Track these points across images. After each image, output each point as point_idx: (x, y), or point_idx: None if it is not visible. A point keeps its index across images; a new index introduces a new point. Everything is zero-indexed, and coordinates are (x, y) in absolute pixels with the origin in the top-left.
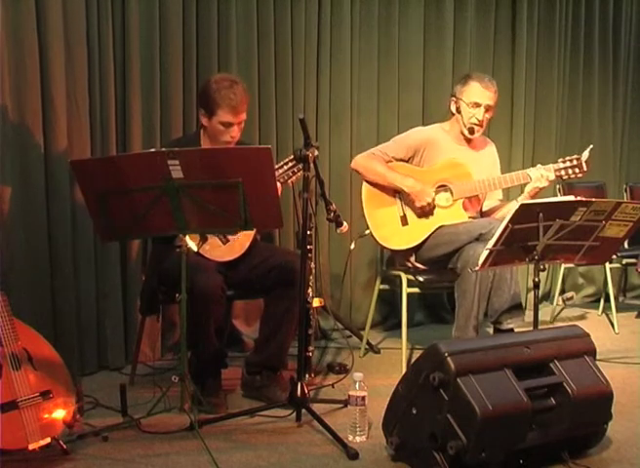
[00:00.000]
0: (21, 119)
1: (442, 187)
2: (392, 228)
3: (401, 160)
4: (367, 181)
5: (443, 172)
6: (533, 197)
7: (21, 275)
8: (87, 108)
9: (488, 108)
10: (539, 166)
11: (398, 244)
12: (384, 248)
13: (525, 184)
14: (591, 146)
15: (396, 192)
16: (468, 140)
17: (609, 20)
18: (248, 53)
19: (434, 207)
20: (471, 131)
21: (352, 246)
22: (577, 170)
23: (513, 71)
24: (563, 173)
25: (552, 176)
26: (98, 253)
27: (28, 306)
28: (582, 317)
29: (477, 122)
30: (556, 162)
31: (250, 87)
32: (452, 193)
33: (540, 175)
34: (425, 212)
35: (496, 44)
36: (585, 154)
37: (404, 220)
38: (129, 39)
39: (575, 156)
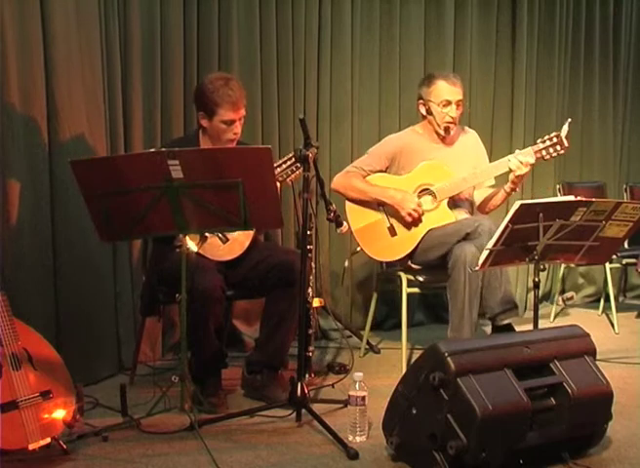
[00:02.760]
0: (27, 118)
1: (424, 191)
2: (382, 241)
3: (379, 171)
4: (348, 199)
5: (422, 176)
6: (517, 183)
7: (29, 275)
8: (102, 109)
9: (458, 104)
10: (517, 152)
11: (391, 256)
12: (380, 261)
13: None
14: (569, 120)
15: (380, 205)
16: (443, 137)
17: (609, 20)
18: (249, 53)
19: (422, 212)
20: (447, 130)
21: (346, 263)
22: (557, 147)
23: (514, 71)
24: (544, 153)
25: (532, 160)
26: (114, 254)
27: (35, 307)
28: (582, 317)
29: (451, 120)
30: (535, 143)
31: (251, 87)
32: (434, 196)
33: (520, 163)
34: (415, 219)
35: (497, 43)
36: (565, 129)
37: (392, 231)
38: (130, 39)
39: (553, 134)
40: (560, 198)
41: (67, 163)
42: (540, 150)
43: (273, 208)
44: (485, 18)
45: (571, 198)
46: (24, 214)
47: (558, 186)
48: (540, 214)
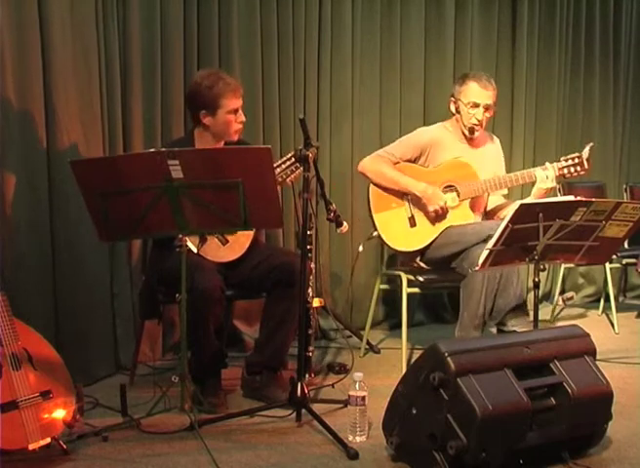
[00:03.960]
0: (24, 119)
1: (448, 188)
2: (400, 230)
3: (407, 160)
4: (373, 184)
5: (449, 172)
6: (540, 198)
7: (29, 275)
8: (98, 108)
9: (487, 107)
10: (547, 164)
11: (407, 245)
12: (393, 250)
13: (531, 183)
14: (591, 144)
15: (404, 193)
16: (470, 138)
17: (609, 20)
18: (249, 53)
19: (447, 211)
20: (471, 131)
21: (361, 248)
22: (578, 168)
23: (514, 70)
24: (565, 171)
25: (554, 175)
26: (110, 255)
27: (35, 307)
28: (582, 317)
29: (477, 122)
30: (558, 160)
31: (252, 87)
32: (458, 194)
33: (546, 177)
34: (439, 215)
35: (497, 42)
36: (586, 151)
37: (412, 221)
38: (130, 39)
39: (575, 154)
40: (560, 198)
41: (66, 163)
42: (563, 168)
43: (273, 208)
44: (485, 17)
45: (571, 198)
46: (23, 214)
47: (558, 186)
48: (540, 214)
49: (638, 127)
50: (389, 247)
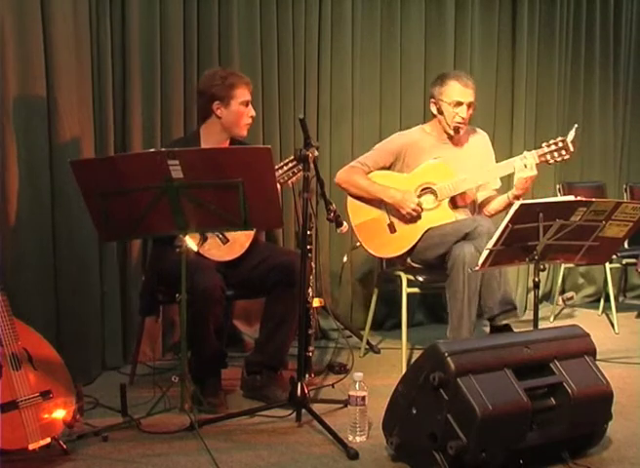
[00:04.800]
0: (27, 120)
1: (426, 190)
2: (381, 238)
3: (383, 167)
4: (350, 195)
5: (425, 175)
6: (522, 188)
7: (29, 275)
8: (90, 109)
9: (470, 105)
10: (525, 153)
11: (389, 252)
12: (378, 258)
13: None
14: (576, 126)
15: (381, 202)
16: (452, 137)
17: (610, 20)
18: (249, 53)
19: (422, 210)
20: (457, 130)
21: (345, 259)
22: (563, 151)
23: (514, 70)
24: (549, 157)
25: (535, 162)
26: (100, 254)
27: (35, 307)
28: (582, 317)
29: (461, 120)
30: (540, 147)
31: (253, 88)
32: (436, 195)
33: (524, 166)
34: (414, 217)
35: (497, 42)
36: (571, 134)
37: (392, 228)
38: (129, 40)
39: (559, 138)
40: (560, 198)
41: (67, 163)
42: (545, 154)
43: (273, 208)
44: (485, 17)
45: (571, 198)
46: (24, 214)
47: (558, 186)
48: (540, 214)
49: (638, 127)
50: (373, 255)
